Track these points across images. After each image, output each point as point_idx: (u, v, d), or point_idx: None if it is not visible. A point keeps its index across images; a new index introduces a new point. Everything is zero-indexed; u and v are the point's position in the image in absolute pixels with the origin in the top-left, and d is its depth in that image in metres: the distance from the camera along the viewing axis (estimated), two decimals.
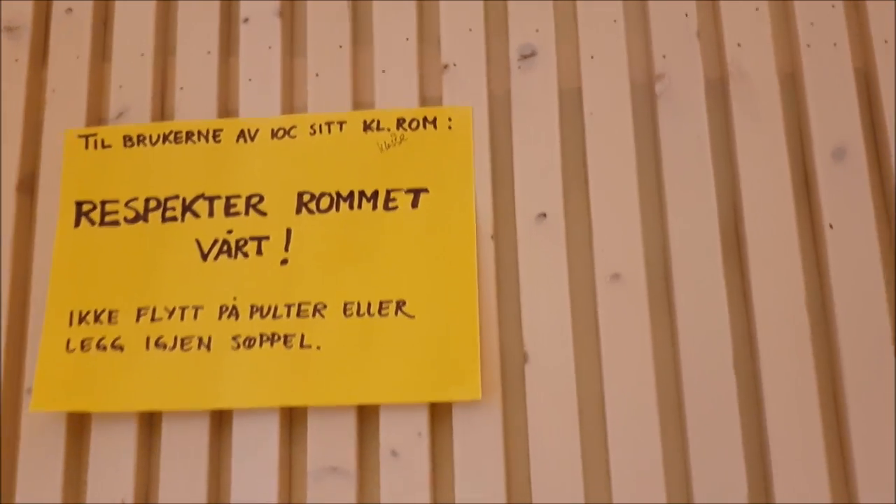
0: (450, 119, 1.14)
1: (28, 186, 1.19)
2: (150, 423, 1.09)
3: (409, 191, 1.12)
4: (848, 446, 0.99)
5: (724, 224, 1.08)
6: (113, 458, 1.07)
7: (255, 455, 1.06)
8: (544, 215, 1.10)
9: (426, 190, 1.11)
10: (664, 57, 1.14)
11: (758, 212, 1.07)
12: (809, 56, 1.11)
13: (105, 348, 1.09)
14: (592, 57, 1.15)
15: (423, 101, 1.16)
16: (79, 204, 1.15)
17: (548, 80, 1.15)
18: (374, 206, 1.11)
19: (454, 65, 1.16)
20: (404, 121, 1.14)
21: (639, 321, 1.06)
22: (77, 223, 1.14)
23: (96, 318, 1.10)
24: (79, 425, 1.10)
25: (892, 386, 1.00)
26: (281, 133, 1.15)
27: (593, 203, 1.10)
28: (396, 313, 1.07)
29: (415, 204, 1.11)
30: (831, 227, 1.05)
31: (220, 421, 1.08)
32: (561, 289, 1.08)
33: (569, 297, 1.07)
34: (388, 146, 1.13)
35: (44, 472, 1.07)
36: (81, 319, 1.10)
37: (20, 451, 1.09)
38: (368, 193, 1.12)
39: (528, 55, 1.16)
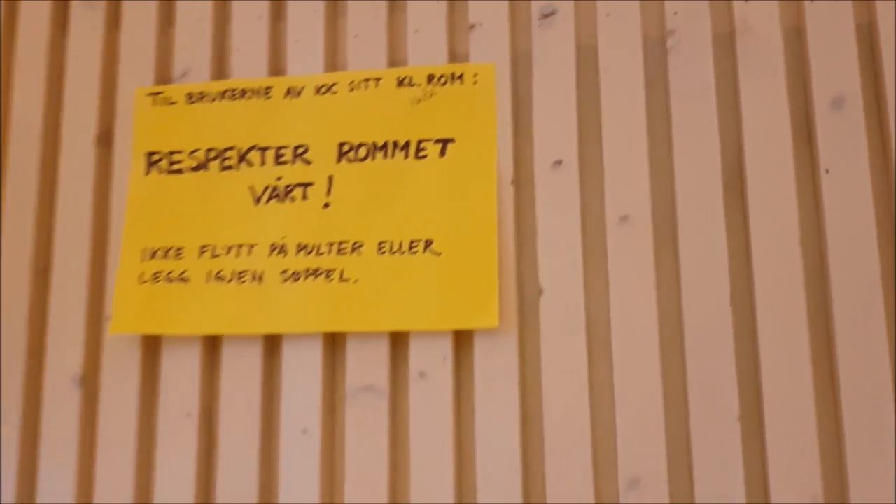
0: (475, 75, 1.24)
1: (105, 139, 1.34)
2: (212, 346, 1.24)
3: (437, 141, 1.23)
4: (835, 368, 1.08)
5: (726, 169, 1.16)
6: (181, 375, 1.22)
7: (302, 374, 1.19)
8: (560, 162, 1.20)
9: (453, 140, 1.22)
10: (675, 14, 1.21)
11: (759, 157, 1.14)
12: (812, 11, 1.17)
13: (172, 280, 1.24)
14: (608, 15, 1.23)
15: (452, 59, 1.26)
16: (149, 154, 1.29)
17: (566, 37, 1.23)
18: (406, 155, 1.23)
19: (480, 24, 1.26)
20: (434, 77, 1.24)
21: (644, 258, 1.15)
22: (147, 171, 1.29)
23: (164, 255, 1.25)
24: (151, 347, 1.25)
25: (879, 314, 1.07)
26: (324, 89, 1.27)
27: (605, 150, 1.19)
28: (425, 251, 1.19)
29: (442, 153, 1.22)
30: (827, 171, 1.13)
31: (272, 345, 1.22)
32: (574, 229, 1.17)
33: (580, 237, 1.17)
34: (420, 100, 1.24)
35: (122, 387, 1.23)
36: (152, 255, 1.25)
37: (102, 371, 1.26)
38: (401, 143, 1.23)
39: (548, 14, 1.25)
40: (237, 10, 1.33)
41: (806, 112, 1.17)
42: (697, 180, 1.16)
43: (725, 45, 1.20)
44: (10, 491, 1.24)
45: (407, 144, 1.23)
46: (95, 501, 1.21)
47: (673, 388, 1.12)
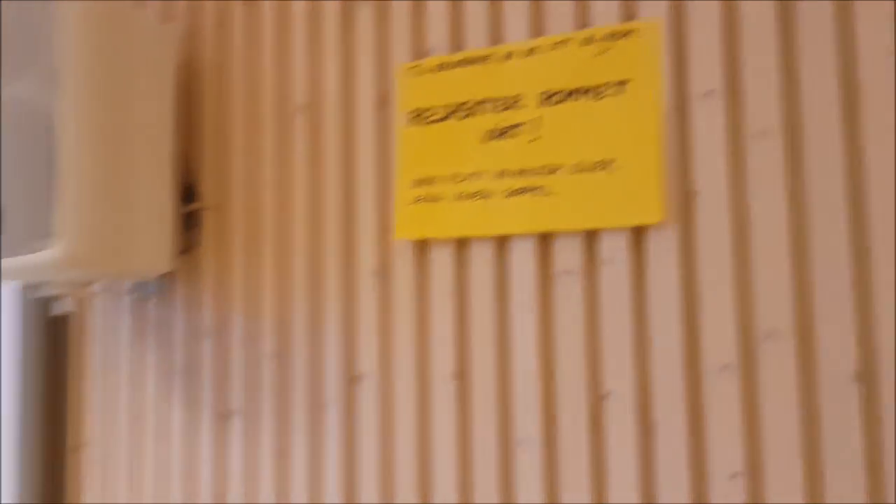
0: (645, 30, 1.60)
1: (383, 103, 1.86)
2: (461, 246, 1.73)
3: (617, 83, 1.61)
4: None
5: (843, 93, 1.42)
6: (441, 267, 1.73)
7: (523, 261, 1.65)
8: (711, 92, 1.53)
9: (628, 81, 1.60)
10: None
11: (872, 82, 1.41)
12: None
13: (431, 201, 1.75)
14: None
15: (626, 18, 1.62)
16: (411, 112, 1.81)
17: None
18: (593, 97, 1.63)
19: None
20: (612, 34, 1.62)
21: (776, 164, 1.46)
22: (410, 124, 1.80)
23: (425, 183, 1.76)
24: (421, 248, 1.77)
25: None
26: (530, 52, 1.69)
27: (746, 81, 1.50)
28: (607, 168, 1.59)
29: (620, 92, 1.60)
30: None
31: (502, 242, 1.69)
32: (721, 143, 1.50)
33: (727, 149, 1.51)
34: (602, 53, 1.63)
35: (404, 277, 1.78)
36: (417, 184, 1.77)
37: (391, 266, 1.80)
38: (588, 87, 1.63)
39: None
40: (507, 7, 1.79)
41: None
42: (821, 103, 1.44)
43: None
44: (335, 359, 1.83)
45: (593, 88, 1.62)
46: (393, 364, 1.78)
47: (799, 264, 1.44)
